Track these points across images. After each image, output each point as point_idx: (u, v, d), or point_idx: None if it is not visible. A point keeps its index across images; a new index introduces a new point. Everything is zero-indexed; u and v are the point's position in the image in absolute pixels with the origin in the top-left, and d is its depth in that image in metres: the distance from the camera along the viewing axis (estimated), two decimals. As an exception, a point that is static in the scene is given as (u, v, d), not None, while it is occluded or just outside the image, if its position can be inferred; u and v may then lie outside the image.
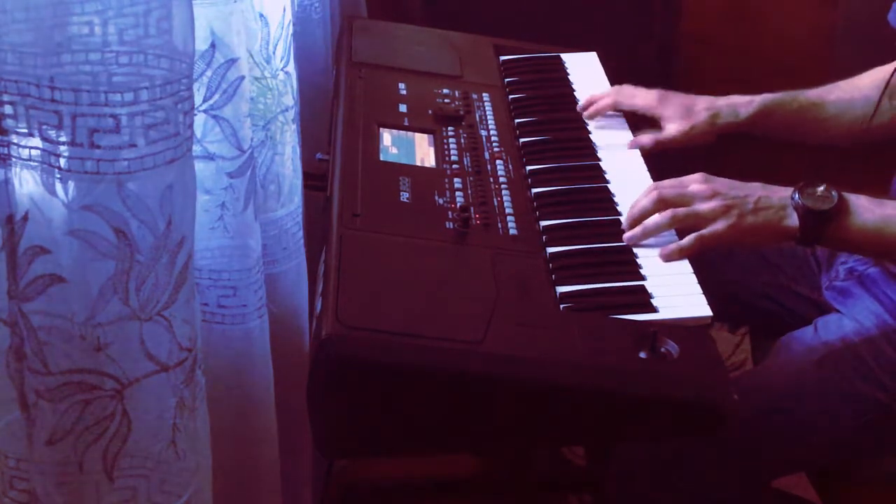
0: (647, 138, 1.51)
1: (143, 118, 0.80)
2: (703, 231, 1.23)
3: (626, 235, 1.25)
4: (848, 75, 1.59)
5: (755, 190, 1.26)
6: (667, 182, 1.30)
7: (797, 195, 1.24)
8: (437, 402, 1.06)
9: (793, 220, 1.24)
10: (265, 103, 1.24)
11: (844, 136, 1.54)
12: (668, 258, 1.22)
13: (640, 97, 1.55)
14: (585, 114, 1.55)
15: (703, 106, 1.53)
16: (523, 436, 1.15)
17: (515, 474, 1.59)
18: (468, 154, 1.39)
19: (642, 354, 1.07)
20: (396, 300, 1.10)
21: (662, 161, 1.50)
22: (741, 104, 1.53)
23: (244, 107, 1.09)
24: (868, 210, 1.25)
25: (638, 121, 1.57)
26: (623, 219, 1.28)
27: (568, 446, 1.88)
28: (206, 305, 1.12)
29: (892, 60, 1.52)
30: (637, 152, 1.48)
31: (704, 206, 1.24)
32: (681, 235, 1.26)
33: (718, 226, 1.23)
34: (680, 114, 1.52)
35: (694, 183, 1.27)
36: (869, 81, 1.56)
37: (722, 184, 1.27)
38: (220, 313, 1.13)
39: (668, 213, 1.24)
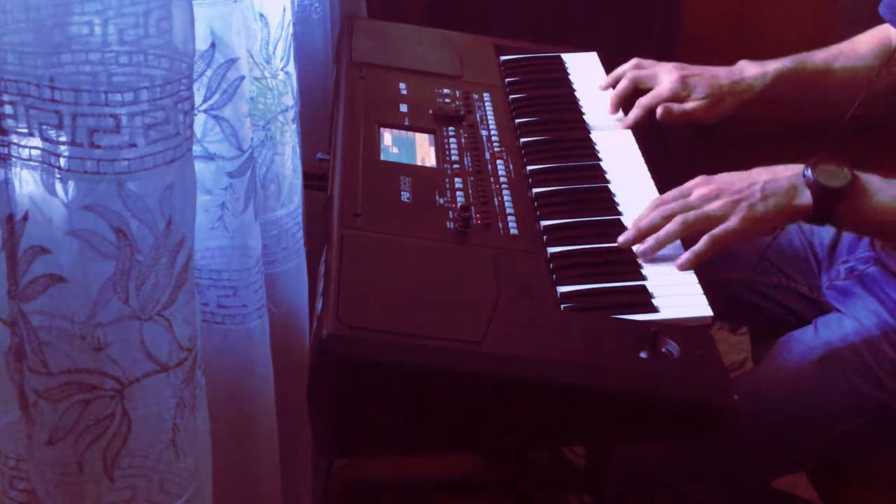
0: (676, 107, 1.53)
1: (143, 118, 0.80)
2: (715, 231, 1.22)
3: (639, 249, 1.23)
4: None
5: (759, 176, 1.25)
6: (668, 194, 1.28)
7: (809, 171, 1.23)
8: (438, 402, 1.06)
9: (804, 197, 1.23)
10: (265, 103, 1.24)
11: (849, 101, 1.54)
12: (684, 267, 1.21)
13: (664, 83, 1.54)
14: (612, 102, 1.57)
15: (726, 85, 1.54)
16: (523, 436, 1.15)
17: (515, 474, 1.58)
18: (469, 154, 1.39)
19: (643, 354, 1.07)
20: (397, 300, 1.10)
21: (663, 161, 1.49)
22: (756, 77, 1.54)
23: (244, 107, 1.09)
24: (881, 189, 1.24)
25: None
26: (627, 232, 1.26)
27: (568, 446, 1.88)
28: (206, 305, 1.12)
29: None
30: (637, 153, 1.48)
31: (712, 206, 1.23)
32: (687, 242, 1.25)
33: (730, 223, 1.22)
34: (705, 93, 1.53)
35: (696, 188, 1.26)
36: (868, 47, 1.56)
37: (724, 180, 1.26)
38: (220, 313, 1.13)
39: (678, 220, 1.23)
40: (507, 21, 2.34)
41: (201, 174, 1.04)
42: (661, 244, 1.23)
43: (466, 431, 1.10)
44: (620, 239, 1.25)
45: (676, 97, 1.53)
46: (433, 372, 1.04)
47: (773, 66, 1.54)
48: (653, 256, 1.23)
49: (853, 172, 1.24)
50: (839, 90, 1.55)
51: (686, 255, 1.22)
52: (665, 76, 1.55)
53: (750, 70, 1.54)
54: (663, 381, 1.06)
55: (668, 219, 1.24)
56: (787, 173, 1.25)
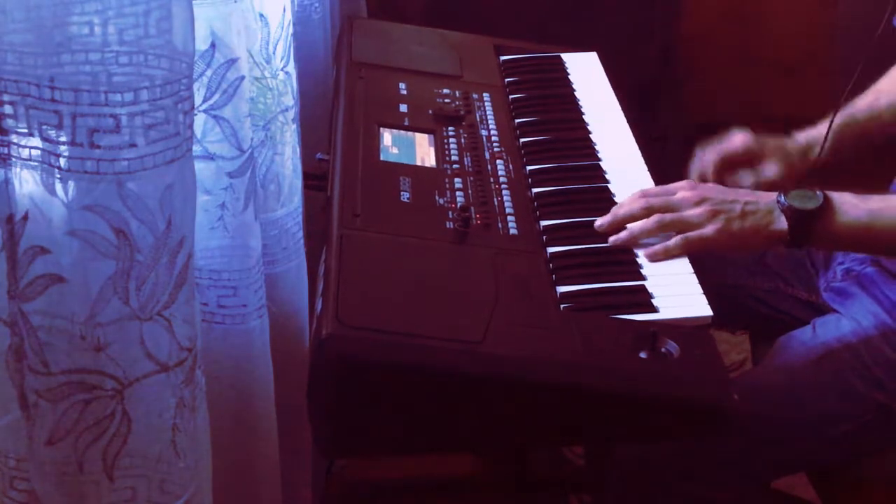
0: (747, 179, 1.52)
1: (143, 118, 0.80)
2: (690, 233, 1.24)
3: (611, 238, 1.25)
4: (848, 75, 1.59)
5: (742, 195, 1.27)
6: (653, 189, 1.31)
7: (782, 197, 1.26)
8: (437, 402, 1.06)
9: (781, 223, 1.25)
10: (265, 103, 1.24)
11: None
12: (653, 258, 1.23)
13: (738, 141, 1.53)
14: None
15: (793, 147, 1.54)
16: (523, 436, 1.15)
17: (515, 474, 1.59)
18: (468, 154, 1.39)
19: (642, 354, 1.07)
20: (396, 300, 1.10)
21: (662, 161, 1.49)
22: (816, 144, 1.52)
23: (244, 107, 1.09)
24: (854, 206, 1.26)
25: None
26: (605, 217, 1.27)
27: (568, 446, 1.88)
28: (206, 305, 1.12)
29: (892, 59, 1.52)
30: (637, 153, 1.47)
31: (691, 212, 1.25)
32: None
33: (706, 230, 1.24)
34: (776, 157, 1.53)
35: (681, 190, 1.28)
36: None
37: (709, 189, 1.28)
38: (220, 313, 1.13)
39: (654, 218, 1.25)
40: (507, 21, 2.34)
41: (201, 174, 1.04)
42: (633, 238, 1.25)
43: (466, 431, 1.10)
44: (597, 223, 1.27)
45: (751, 149, 1.52)
46: (433, 372, 1.04)
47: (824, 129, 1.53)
48: (640, 243, 1.24)
49: (826, 194, 1.26)
50: (890, 129, 1.54)
51: (656, 248, 1.23)
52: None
53: (803, 136, 1.54)
54: (663, 381, 1.06)
55: (646, 211, 1.26)
56: (767, 198, 1.27)
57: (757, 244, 1.30)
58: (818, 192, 1.26)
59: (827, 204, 1.25)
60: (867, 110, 1.56)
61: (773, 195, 1.27)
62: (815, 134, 1.54)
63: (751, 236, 1.26)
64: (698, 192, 1.27)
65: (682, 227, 1.25)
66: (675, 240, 1.24)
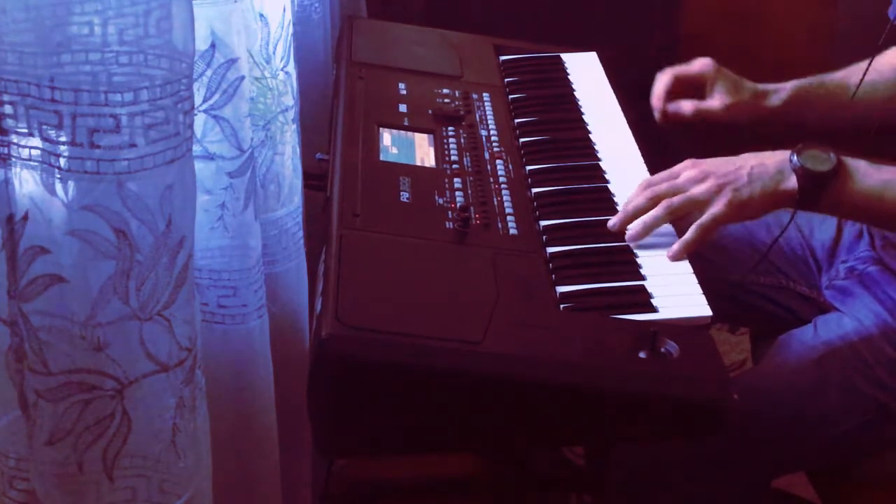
0: (688, 105, 1.53)
1: (143, 118, 0.80)
2: (702, 219, 1.23)
3: (628, 235, 1.25)
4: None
5: (747, 160, 1.26)
6: (657, 176, 1.29)
7: (795, 157, 1.24)
8: (437, 402, 1.06)
9: (790, 182, 1.24)
10: (265, 103, 1.24)
11: (870, 118, 1.53)
12: (675, 257, 1.22)
13: (697, 65, 1.55)
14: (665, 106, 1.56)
15: (750, 87, 1.54)
16: (523, 436, 1.15)
17: (515, 474, 1.58)
18: (468, 154, 1.39)
19: (642, 354, 1.07)
20: (396, 300, 1.10)
21: (662, 161, 1.49)
22: (773, 91, 1.54)
23: (244, 107, 1.09)
24: (867, 174, 1.25)
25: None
26: (615, 217, 1.27)
27: (568, 446, 1.88)
28: (206, 305, 1.12)
29: None
30: (637, 153, 1.48)
31: (698, 189, 1.24)
32: (680, 228, 1.26)
33: (715, 208, 1.23)
34: (727, 88, 1.53)
35: (684, 171, 1.27)
36: (889, 64, 1.55)
37: (712, 163, 1.27)
38: (220, 313, 1.13)
39: (663, 205, 1.24)
40: (507, 21, 2.34)
41: (201, 174, 1.04)
42: (647, 228, 1.24)
43: (466, 431, 1.10)
44: (609, 223, 1.26)
45: (706, 73, 1.54)
46: (432, 372, 1.04)
47: (790, 84, 1.55)
48: (641, 240, 1.24)
49: (839, 157, 1.24)
50: (860, 106, 1.53)
51: (675, 246, 1.23)
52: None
53: (769, 86, 1.55)
54: (663, 381, 1.06)
55: (654, 201, 1.25)
56: (774, 158, 1.26)
57: (768, 206, 1.28)
58: (831, 155, 1.24)
59: (840, 168, 1.24)
60: (839, 79, 1.56)
61: (784, 154, 1.25)
62: (777, 86, 1.54)
63: (760, 200, 1.24)
64: (701, 169, 1.26)
65: (690, 206, 1.24)
66: (689, 231, 1.23)
